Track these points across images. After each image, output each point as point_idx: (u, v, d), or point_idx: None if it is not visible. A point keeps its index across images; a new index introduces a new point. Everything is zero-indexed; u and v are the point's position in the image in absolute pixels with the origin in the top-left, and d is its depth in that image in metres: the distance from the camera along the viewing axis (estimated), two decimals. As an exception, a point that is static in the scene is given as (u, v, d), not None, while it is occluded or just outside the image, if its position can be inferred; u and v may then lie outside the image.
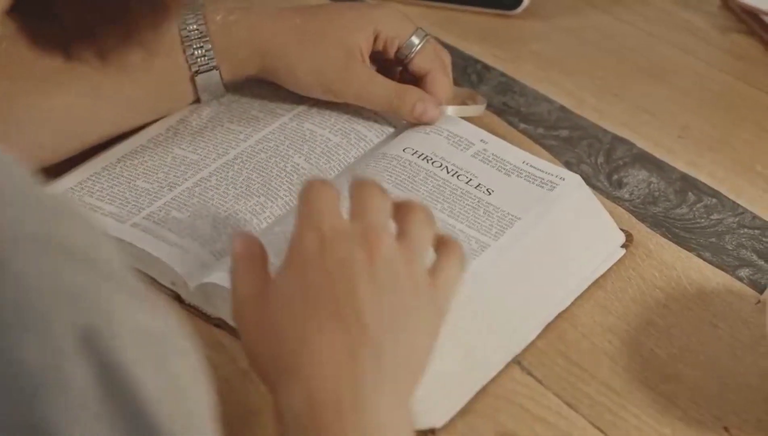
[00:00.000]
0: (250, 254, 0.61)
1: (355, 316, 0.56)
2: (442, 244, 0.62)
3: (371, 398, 0.54)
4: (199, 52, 0.81)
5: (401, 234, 0.60)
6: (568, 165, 0.84)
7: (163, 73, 0.82)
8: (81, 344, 0.32)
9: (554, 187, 0.76)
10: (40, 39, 0.54)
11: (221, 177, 0.79)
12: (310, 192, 0.60)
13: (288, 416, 0.54)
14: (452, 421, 0.65)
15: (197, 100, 0.84)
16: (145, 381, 0.34)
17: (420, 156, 0.79)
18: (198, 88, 0.83)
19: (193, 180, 0.78)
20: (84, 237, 0.36)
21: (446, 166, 0.78)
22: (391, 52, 0.84)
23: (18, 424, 0.31)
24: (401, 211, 0.61)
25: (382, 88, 0.82)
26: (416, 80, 0.85)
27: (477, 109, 0.86)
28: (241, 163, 0.80)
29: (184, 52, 0.81)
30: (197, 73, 0.82)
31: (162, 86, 0.82)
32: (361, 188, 0.61)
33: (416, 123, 0.82)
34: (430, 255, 0.62)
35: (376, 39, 0.84)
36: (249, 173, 0.79)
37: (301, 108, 0.85)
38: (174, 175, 0.79)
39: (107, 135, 0.82)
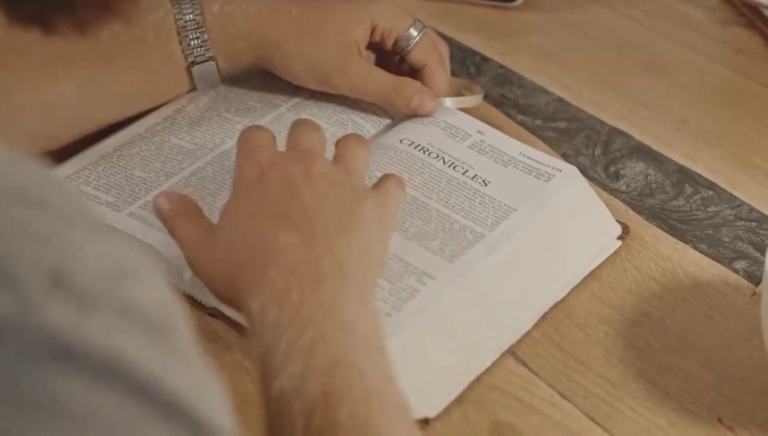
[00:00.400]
0: (185, 207, 0.65)
1: (304, 217, 0.59)
2: (383, 176, 0.67)
3: (332, 283, 0.57)
4: (196, 42, 0.81)
5: (336, 158, 0.66)
6: (566, 157, 0.84)
7: (159, 63, 0.82)
8: (51, 286, 0.32)
9: (551, 178, 0.76)
10: (16, 13, 0.54)
11: (217, 167, 0.79)
12: (247, 133, 0.67)
13: (258, 325, 0.55)
14: (447, 410, 0.65)
15: (193, 89, 0.84)
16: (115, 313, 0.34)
17: (416, 147, 0.78)
18: (195, 78, 0.83)
19: (190, 170, 0.78)
20: (29, 180, 0.36)
21: (443, 157, 0.78)
22: (389, 45, 0.84)
23: None
24: (337, 145, 0.68)
25: (378, 81, 0.82)
26: (414, 72, 0.86)
27: (474, 100, 0.86)
28: (238, 153, 0.80)
29: (181, 42, 0.81)
30: (193, 63, 0.82)
31: (158, 76, 0.82)
32: (296, 125, 0.68)
33: (413, 115, 0.82)
34: None
35: (373, 31, 0.83)
36: (245, 163, 0.79)
37: (298, 99, 0.85)
38: (170, 165, 0.79)
39: (103, 124, 0.82)
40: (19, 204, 0.34)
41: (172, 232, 0.65)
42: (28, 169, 0.37)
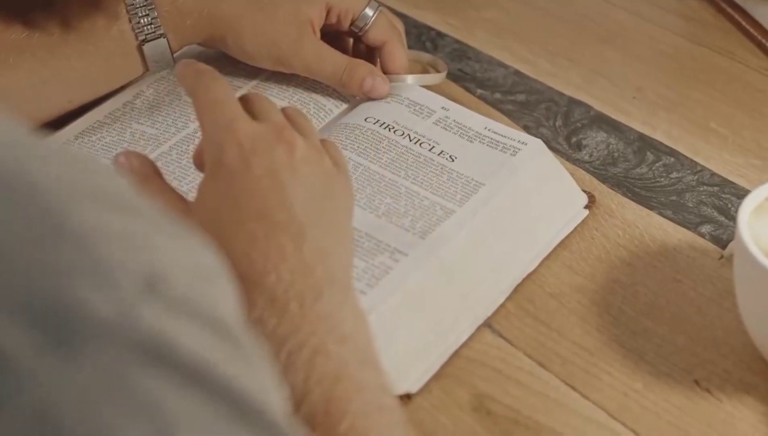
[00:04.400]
0: (150, 175, 0.62)
1: (290, 218, 0.57)
2: (324, 142, 0.64)
3: (329, 295, 0.55)
4: (145, 20, 0.80)
5: (296, 128, 0.61)
6: (527, 129, 0.84)
7: (110, 44, 0.80)
8: (146, 291, 0.32)
9: (517, 151, 0.76)
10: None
11: (182, 151, 0.78)
12: (211, 88, 0.61)
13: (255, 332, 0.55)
14: (427, 385, 0.65)
15: (147, 72, 0.83)
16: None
17: (382, 125, 0.79)
18: (147, 58, 0.81)
19: (154, 155, 0.78)
20: (118, 186, 0.36)
21: (408, 134, 0.78)
22: (345, 26, 0.84)
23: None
24: (288, 114, 0.63)
25: (332, 63, 0.82)
26: (369, 54, 0.85)
27: (437, 78, 0.86)
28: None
29: (130, 20, 0.79)
30: (144, 42, 0.80)
31: (110, 57, 0.81)
32: (249, 96, 0.62)
33: (366, 99, 0.82)
34: None
35: (329, 13, 0.83)
36: (210, 146, 0.78)
37: (259, 79, 0.85)
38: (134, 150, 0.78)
39: (58, 112, 0.81)
40: (116, 209, 0.34)
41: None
42: (117, 175, 0.37)
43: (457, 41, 0.94)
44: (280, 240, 0.56)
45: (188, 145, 0.78)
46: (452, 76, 0.89)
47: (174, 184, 0.74)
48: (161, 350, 0.32)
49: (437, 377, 0.66)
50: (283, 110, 0.63)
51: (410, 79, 0.83)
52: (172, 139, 0.79)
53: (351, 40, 0.87)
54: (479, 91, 0.89)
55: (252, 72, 0.85)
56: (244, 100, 0.62)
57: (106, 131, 0.80)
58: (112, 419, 0.30)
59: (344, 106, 0.83)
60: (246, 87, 0.84)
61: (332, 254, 0.57)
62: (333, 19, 0.83)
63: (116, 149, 0.78)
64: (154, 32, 0.80)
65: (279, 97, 0.83)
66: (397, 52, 0.83)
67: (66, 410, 0.30)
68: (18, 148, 0.34)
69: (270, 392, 0.36)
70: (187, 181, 0.75)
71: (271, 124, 0.60)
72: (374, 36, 0.83)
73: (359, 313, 0.57)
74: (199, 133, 0.79)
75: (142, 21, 0.79)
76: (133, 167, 0.62)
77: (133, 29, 0.80)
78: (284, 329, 0.53)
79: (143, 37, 0.80)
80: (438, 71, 0.87)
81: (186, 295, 0.34)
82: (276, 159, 0.58)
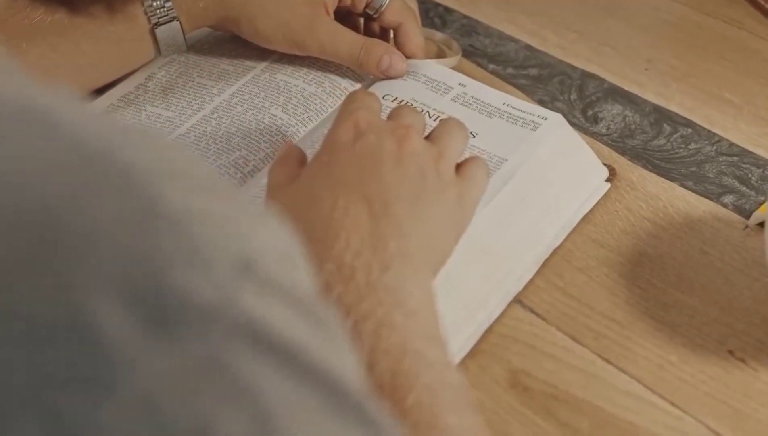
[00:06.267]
0: (287, 152, 0.65)
1: (379, 196, 0.58)
2: (469, 158, 0.66)
3: (398, 268, 0.56)
4: (158, 3, 0.79)
5: (433, 137, 0.65)
6: (542, 103, 0.84)
7: (122, 27, 0.79)
8: (242, 273, 0.32)
9: (537, 126, 0.76)
10: None
11: (200, 133, 0.77)
12: (353, 95, 0.66)
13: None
14: (463, 363, 0.65)
15: (159, 56, 0.82)
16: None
17: (401, 102, 0.78)
18: (159, 41, 0.80)
19: (171, 137, 0.77)
20: (202, 167, 0.35)
21: (428, 111, 0.78)
22: (360, 8, 0.83)
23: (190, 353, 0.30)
24: (437, 125, 0.67)
25: (348, 42, 0.81)
26: (383, 34, 0.85)
27: (454, 60, 0.85)
28: (219, 118, 0.78)
29: (142, 3, 0.78)
30: (157, 25, 0.80)
31: (122, 42, 0.80)
32: (399, 107, 0.68)
33: (382, 78, 0.81)
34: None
35: None
36: (228, 127, 0.78)
37: (271, 59, 0.84)
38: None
39: (72, 96, 0.80)
40: (205, 191, 0.33)
41: (269, 172, 0.65)
42: (197, 157, 0.36)
43: (465, 16, 0.94)
44: (359, 210, 0.57)
45: (206, 127, 0.77)
46: (463, 53, 0.89)
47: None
48: (259, 333, 0.32)
49: (472, 354, 0.66)
50: (441, 124, 0.67)
51: (428, 63, 0.82)
52: (189, 121, 0.78)
53: (362, 20, 0.86)
54: (492, 66, 0.88)
55: (264, 51, 0.84)
56: (393, 109, 0.68)
57: (120, 114, 0.79)
58: (212, 405, 0.30)
59: (359, 85, 0.83)
60: (259, 66, 0.83)
61: (413, 235, 0.58)
62: (347, 2, 0.82)
63: (133, 133, 0.77)
64: (167, 15, 0.79)
65: (294, 76, 0.82)
66: (413, 33, 0.82)
67: (168, 397, 0.30)
68: (107, 131, 0.33)
69: (353, 371, 0.36)
70: (207, 164, 0.74)
71: (395, 121, 0.64)
72: (390, 17, 0.82)
73: (428, 290, 0.57)
74: (216, 114, 0.79)
75: (154, 4, 0.78)
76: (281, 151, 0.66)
77: (146, 12, 0.78)
78: (350, 297, 0.53)
79: (156, 20, 0.79)
80: (451, 50, 0.87)
81: (276, 276, 0.33)
82: (384, 146, 0.61)
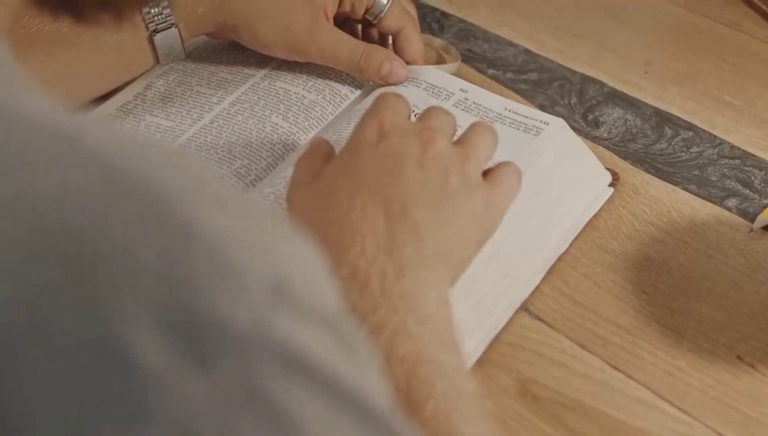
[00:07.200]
0: (315, 147, 0.65)
1: (398, 199, 0.57)
2: (500, 163, 0.65)
3: (413, 274, 0.55)
4: (156, 10, 0.78)
5: (461, 140, 0.64)
6: (543, 108, 0.84)
7: (120, 34, 0.79)
8: (275, 297, 0.31)
9: (540, 132, 0.76)
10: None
11: (201, 142, 0.77)
12: (382, 96, 0.64)
13: None
14: (471, 372, 0.65)
15: (157, 65, 0.81)
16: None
17: (402, 108, 0.78)
18: (157, 48, 0.80)
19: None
20: (228, 186, 0.35)
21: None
22: (359, 14, 0.82)
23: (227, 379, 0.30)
24: (467, 129, 0.65)
25: (348, 48, 0.81)
26: (382, 39, 0.84)
27: (453, 66, 0.85)
28: (219, 127, 0.78)
29: (140, 11, 0.78)
30: (155, 32, 0.79)
31: (121, 50, 0.79)
32: (430, 108, 0.66)
33: (383, 84, 0.81)
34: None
35: (342, 1, 0.81)
36: (228, 137, 0.77)
37: (270, 67, 0.83)
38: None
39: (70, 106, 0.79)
40: (234, 211, 0.33)
41: (295, 166, 0.64)
42: (220, 175, 0.36)
43: (462, 21, 0.94)
44: (376, 214, 0.56)
45: (206, 137, 0.77)
46: (462, 57, 0.89)
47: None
48: (294, 358, 0.31)
49: (480, 363, 0.66)
50: (470, 127, 0.65)
51: (428, 69, 0.82)
52: (189, 130, 0.78)
53: (360, 26, 0.85)
54: (491, 71, 0.88)
55: (262, 59, 0.83)
56: (424, 110, 0.66)
57: (120, 124, 0.78)
58: (249, 432, 0.30)
59: (359, 91, 0.82)
60: (259, 74, 0.83)
61: (430, 239, 0.57)
62: (346, 8, 0.81)
63: (133, 143, 0.76)
64: (165, 22, 0.78)
65: (293, 83, 0.81)
66: (413, 38, 0.82)
67: (204, 425, 0.29)
68: (136, 154, 0.33)
69: (381, 389, 0.36)
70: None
71: (422, 122, 0.62)
72: (389, 24, 0.82)
73: (444, 296, 0.57)
74: (216, 123, 0.78)
75: (152, 11, 0.78)
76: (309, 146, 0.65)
77: (144, 19, 0.78)
78: (365, 305, 0.53)
79: (154, 27, 0.78)
80: (450, 56, 0.87)
81: (307, 298, 0.33)
82: (407, 148, 0.60)
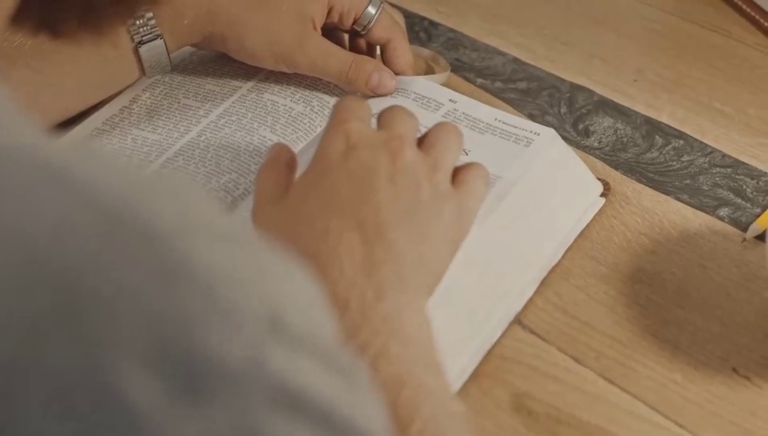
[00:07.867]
0: (276, 155, 0.62)
1: (372, 216, 0.56)
2: (466, 164, 0.63)
3: (394, 296, 0.54)
4: (141, 21, 0.77)
5: (427, 146, 0.62)
6: (532, 117, 0.83)
7: (104, 47, 0.77)
8: (270, 332, 0.31)
9: (530, 142, 0.75)
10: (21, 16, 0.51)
11: (188, 156, 0.76)
12: (342, 104, 0.63)
13: None
14: (464, 387, 0.64)
15: (142, 77, 0.80)
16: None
17: (391, 119, 0.77)
18: (143, 60, 0.79)
19: (159, 161, 0.75)
20: (219, 215, 0.34)
21: (419, 129, 0.76)
22: (347, 25, 0.81)
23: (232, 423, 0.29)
24: (430, 130, 0.63)
25: (337, 59, 0.80)
26: (370, 50, 0.84)
27: (443, 77, 0.84)
28: (207, 140, 0.77)
29: (124, 23, 0.77)
30: (140, 44, 0.78)
31: (105, 61, 0.78)
32: (390, 109, 0.64)
33: (371, 95, 0.80)
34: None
35: (330, 12, 0.81)
36: (216, 150, 0.76)
37: (258, 78, 0.83)
38: (138, 157, 0.76)
39: (53, 121, 0.78)
40: (225, 242, 0.32)
41: (257, 179, 0.62)
42: (212, 201, 0.35)
43: (451, 30, 0.93)
44: (351, 237, 0.55)
45: (194, 150, 0.76)
46: (450, 67, 0.88)
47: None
48: (290, 394, 0.31)
49: (473, 377, 0.65)
50: (435, 128, 0.63)
51: (417, 79, 0.81)
52: (176, 144, 0.77)
53: (347, 37, 0.85)
54: (479, 80, 0.87)
55: (249, 70, 0.82)
56: (382, 111, 0.63)
57: (107, 139, 0.78)
58: None
59: (347, 102, 0.82)
60: (246, 86, 0.82)
61: (408, 257, 0.56)
62: (335, 18, 0.81)
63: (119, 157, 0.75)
64: (151, 33, 0.77)
65: (281, 95, 0.81)
66: (402, 49, 0.81)
67: None
68: (127, 187, 0.32)
69: (379, 419, 0.35)
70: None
71: (388, 131, 0.61)
72: (378, 34, 0.81)
73: (425, 315, 0.56)
74: (204, 136, 0.77)
75: (137, 22, 0.76)
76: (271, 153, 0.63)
77: (129, 31, 0.77)
78: (346, 329, 0.52)
79: (139, 39, 0.77)
80: (439, 66, 0.86)
81: (302, 331, 0.32)
82: (376, 161, 0.58)
